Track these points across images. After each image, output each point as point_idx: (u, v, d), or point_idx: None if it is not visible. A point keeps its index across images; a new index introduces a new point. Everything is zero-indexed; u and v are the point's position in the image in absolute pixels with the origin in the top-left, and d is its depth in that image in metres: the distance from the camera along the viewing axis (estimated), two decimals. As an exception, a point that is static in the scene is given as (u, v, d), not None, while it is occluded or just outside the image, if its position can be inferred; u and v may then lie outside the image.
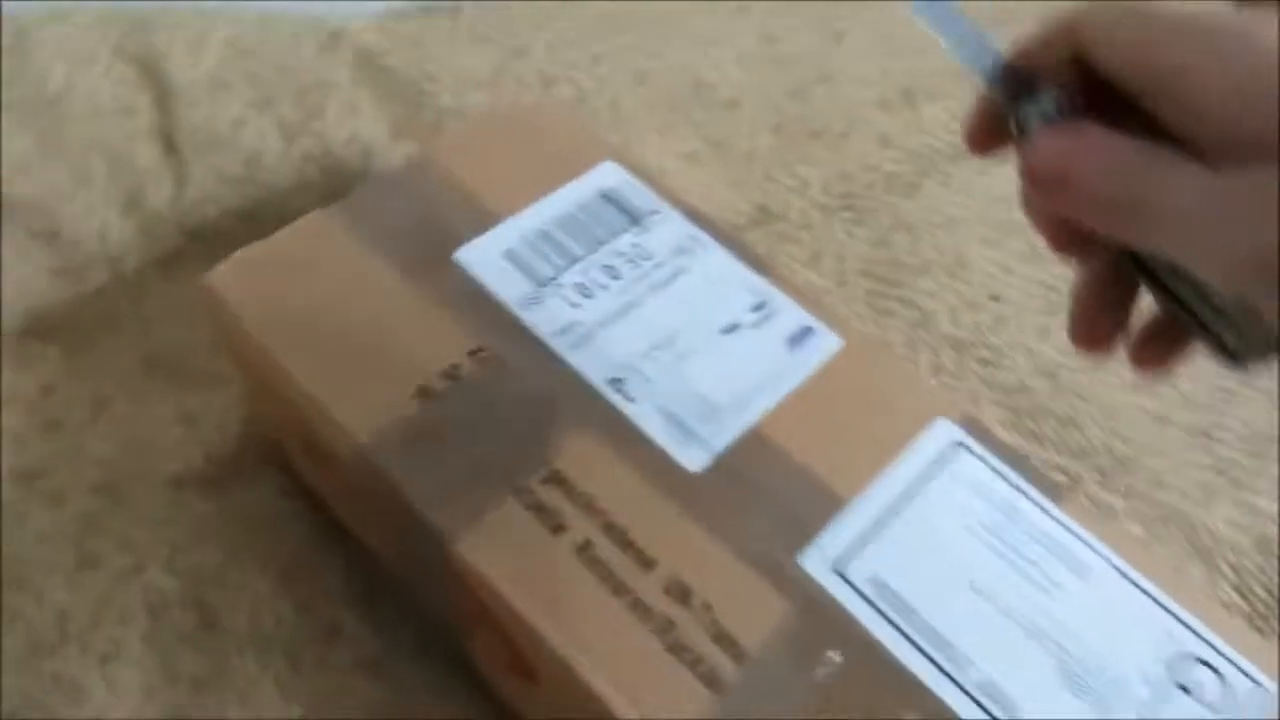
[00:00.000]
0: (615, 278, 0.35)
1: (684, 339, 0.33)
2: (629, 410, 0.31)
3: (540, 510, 0.29)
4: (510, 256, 0.35)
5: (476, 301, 0.34)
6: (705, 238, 0.36)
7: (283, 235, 0.35)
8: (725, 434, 0.31)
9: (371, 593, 0.37)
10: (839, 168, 0.54)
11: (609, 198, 0.37)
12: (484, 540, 0.28)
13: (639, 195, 0.37)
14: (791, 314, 0.34)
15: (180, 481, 0.39)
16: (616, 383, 0.32)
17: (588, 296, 0.34)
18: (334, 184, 0.48)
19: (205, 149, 0.46)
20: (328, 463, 0.33)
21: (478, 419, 0.31)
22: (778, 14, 0.59)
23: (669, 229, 0.36)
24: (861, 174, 0.54)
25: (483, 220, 0.36)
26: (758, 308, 0.34)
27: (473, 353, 0.32)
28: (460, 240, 0.35)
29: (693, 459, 0.30)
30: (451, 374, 0.32)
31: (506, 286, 0.34)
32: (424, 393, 0.31)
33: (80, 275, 0.44)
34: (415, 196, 0.36)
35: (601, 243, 0.36)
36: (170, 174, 0.46)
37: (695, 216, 0.37)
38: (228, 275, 0.34)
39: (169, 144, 0.46)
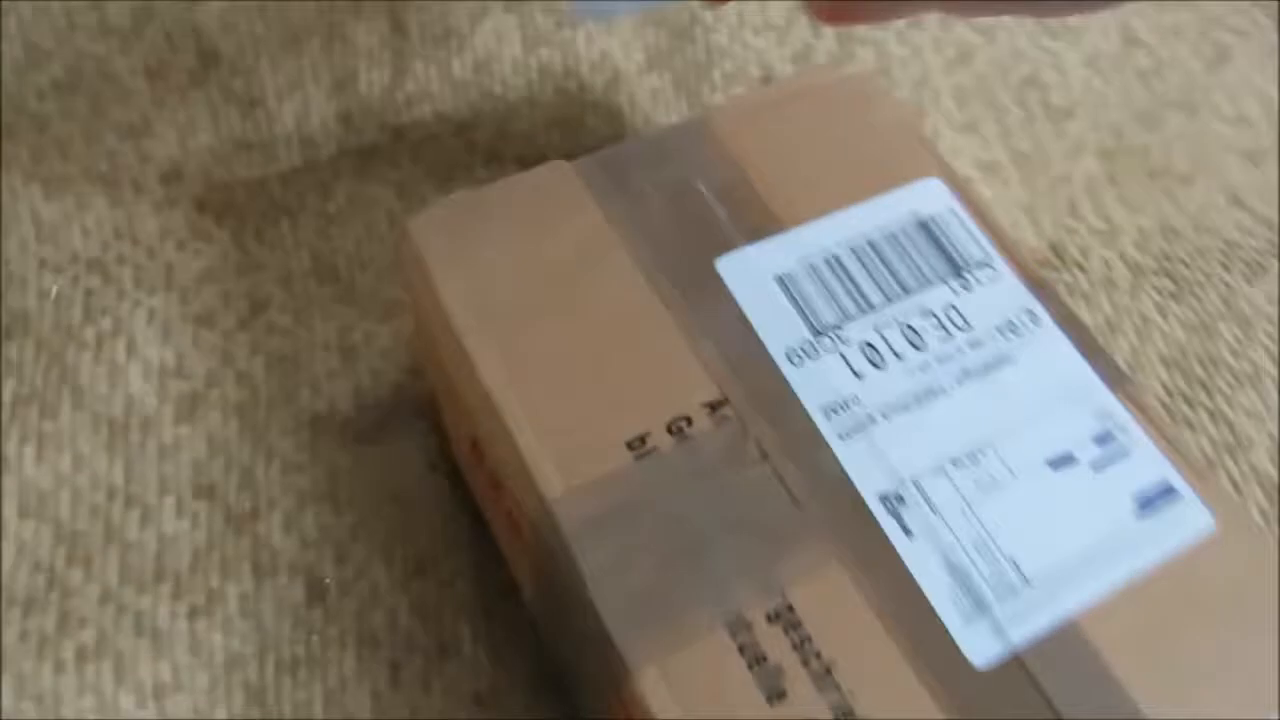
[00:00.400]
0: (917, 347, 0.26)
1: (995, 461, 0.24)
2: (902, 546, 0.23)
3: (759, 660, 0.21)
4: (785, 282, 0.26)
5: (731, 332, 0.25)
6: (1043, 316, 0.27)
7: (511, 184, 0.27)
8: (1030, 622, 0.22)
9: (495, 610, 0.31)
10: (1167, 220, 0.42)
11: (929, 230, 0.28)
12: (676, 680, 0.21)
13: (967, 236, 0.28)
14: (1147, 458, 0.25)
15: (322, 423, 0.34)
16: (892, 501, 0.23)
17: (876, 365, 0.25)
18: (567, 110, 0.40)
19: (435, 41, 0.39)
20: (494, 482, 0.26)
21: (701, 500, 0.23)
22: (1150, 13, 0.47)
23: (999, 293, 0.27)
24: (1194, 235, 0.42)
25: (759, 222, 0.27)
26: (1102, 438, 0.25)
27: (712, 405, 0.24)
28: (727, 244, 0.27)
29: (979, 647, 0.22)
30: (679, 428, 0.24)
31: (773, 323, 0.26)
32: (640, 444, 0.23)
33: (269, 152, 0.38)
34: (681, 172, 0.28)
35: (908, 292, 0.26)
36: (390, 60, 0.39)
37: (1034, 282, 0.27)
38: (434, 223, 0.26)
39: (397, 26, 0.39)
